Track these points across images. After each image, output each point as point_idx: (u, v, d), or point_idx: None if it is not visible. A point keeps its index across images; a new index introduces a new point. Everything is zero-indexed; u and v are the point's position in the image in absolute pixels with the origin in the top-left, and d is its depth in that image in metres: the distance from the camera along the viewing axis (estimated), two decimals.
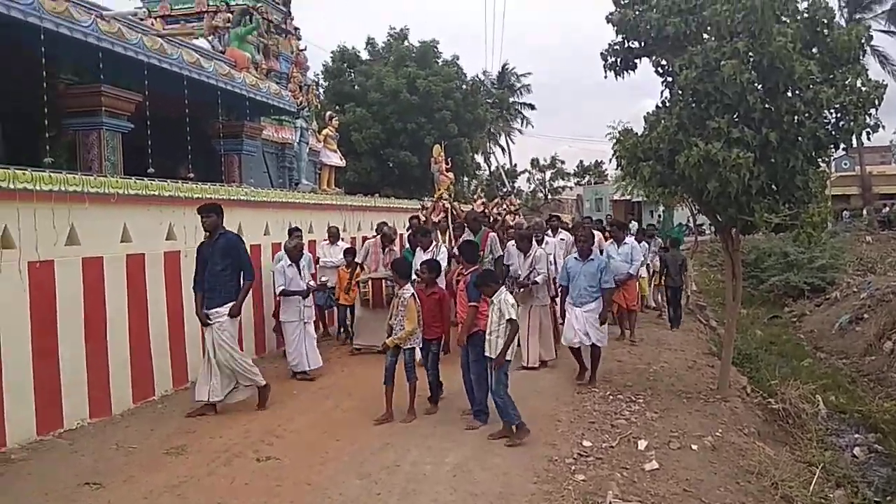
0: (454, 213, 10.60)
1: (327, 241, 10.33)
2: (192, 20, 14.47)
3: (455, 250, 7.94)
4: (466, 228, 9.51)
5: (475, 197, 16.01)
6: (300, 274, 7.99)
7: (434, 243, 9.12)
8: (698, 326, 12.34)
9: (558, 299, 8.38)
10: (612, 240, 10.32)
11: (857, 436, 8.49)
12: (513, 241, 8.93)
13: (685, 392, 7.35)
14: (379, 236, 9.62)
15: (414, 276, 6.98)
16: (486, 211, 12.90)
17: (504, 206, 13.98)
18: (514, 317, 5.65)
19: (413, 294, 6.30)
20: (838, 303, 15.63)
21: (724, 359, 7.65)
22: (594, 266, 7.44)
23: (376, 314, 8.83)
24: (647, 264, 12.10)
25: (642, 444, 5.64)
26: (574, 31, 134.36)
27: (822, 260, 18.10)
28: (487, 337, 5.76)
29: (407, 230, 11.03)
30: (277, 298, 8.27)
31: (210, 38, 13.15)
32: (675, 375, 8.14)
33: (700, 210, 8.38)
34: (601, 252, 10.61)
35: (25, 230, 5.70)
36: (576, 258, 7.61)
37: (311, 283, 8.42)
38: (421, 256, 8.67)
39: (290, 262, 7.96)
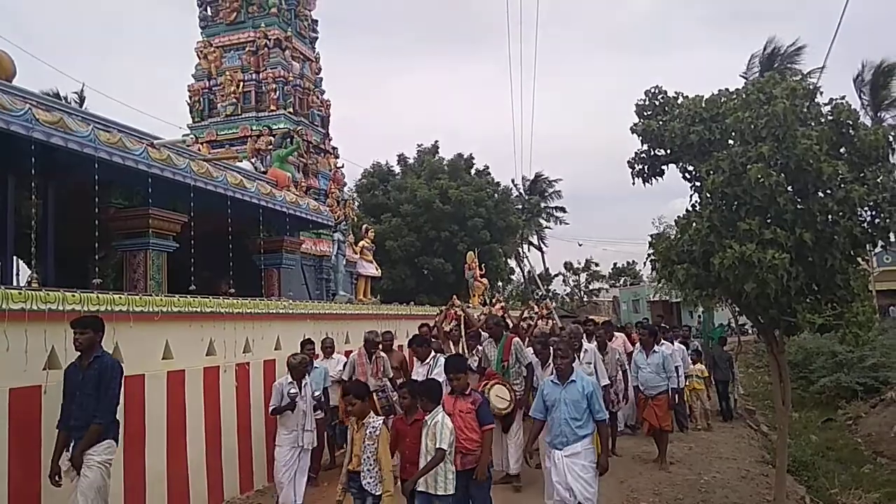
0: (468, 320, 9.72)
1: (321, 356, 9.10)
2: (235, 144, 15.29)
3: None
4: (482, 335, 8.60)
5: (493, 301, 15.14)
6: (301, 392, 7.15)
7: (432, 355, 8.13)
8: (749, 432, 11.82)
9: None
10: (640, 347, 9.13)
11: None
12: (531, 349, 8.31)
13: None
14: (362, 345, 8.69)
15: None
16: (506, 315, 12.11)
17: (535, 311, 13.37)
18: (445, 447, 4.88)
19: (384, 422, 5.16)
20: (895, 404, 14.88)
21: (779, 467, 7.27)
22: (577, 390, 5.46)
23: None
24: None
25: None
26: (606, 136, 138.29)
27: (872, 359, 17.37)
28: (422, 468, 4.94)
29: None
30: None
31: (253, 160, 13.85)
32: (728, 486, 7.75)
33: (741, 311, 8.19)
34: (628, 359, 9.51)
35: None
36: (553, 381, 5.68)
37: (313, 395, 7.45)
38: (418, 370, 7.93)
39: (290, 380, 7.19)
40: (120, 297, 6.46)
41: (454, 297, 10.57)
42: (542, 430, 5.72)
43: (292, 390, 7.08)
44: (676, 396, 9.74)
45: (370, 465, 4.93)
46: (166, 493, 6.75)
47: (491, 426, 5.38)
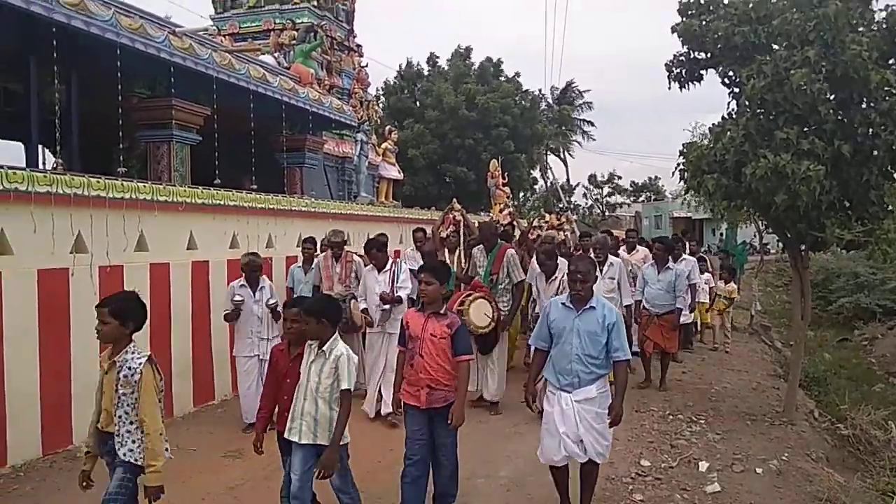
0: (467, 227, 8.54)
1: (299, 264, 7.89)
2: (259, 38, 14.92)
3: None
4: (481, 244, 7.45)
5: (502, 206, 13.29)
6: (254, 297, 6.31)
7: (391, 261, 6.84)
8: (763, 348, 11.91)
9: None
10: (651, 262, 8.23)
11: None
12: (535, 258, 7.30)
13: (749, 414, 7.09)
14: (329, 249, 7.41)
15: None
16: (515, 223, 11.16)
17: (545, 220, 12.59)
18: (350, 386, 3.73)
19: (150, 358, 3.35)
20: None
21: (791, 380, 7.34)
22: (595, 320, 4.19)
23: None
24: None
25: (703, 466, 5.45)
26: (633, 51, 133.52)
27: (894, 282, 17.28)
28: (301, 409, 3.75)
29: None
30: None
31: (276, 54, 13.53)
32: (738, 396, 7.87)
33: (767, 226, 8.03)
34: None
35: (98, 236, 5.93)
36: (564, 304, 4.32)
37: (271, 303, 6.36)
38: (377, 279, 6.64)
39: (242, 283, 6.39)
40: (144, 186, 6.49)
41: (454, 199, 9.51)
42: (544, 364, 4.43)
43: (237, 297, 6.25)
44: (691, 315, 9.46)
45: (128, 424, 3.28)
46: (192, 379, 7.00)
47: (469, 357, 4.27)
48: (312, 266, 7.55)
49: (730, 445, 6.01)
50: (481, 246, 7.34)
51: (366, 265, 7.05)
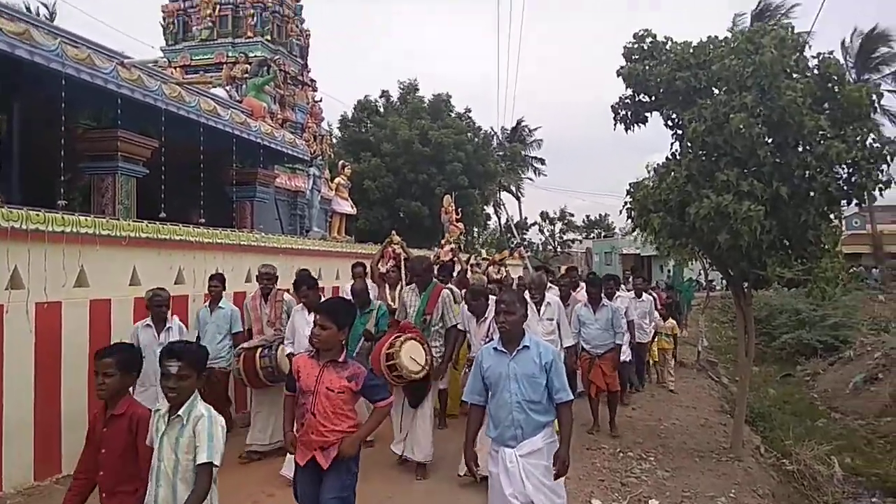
0: (408, 261, 7.83)
1: (206, 304, 7.05)
2: (211, 70, 14.83)
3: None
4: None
5: (443, 242, 12.59)
6: (158, 339, 5.79)
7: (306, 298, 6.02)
8: (710, 383, 12.12)
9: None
10: (585, 302, 7.80)
11: (874, 500, 8.23)
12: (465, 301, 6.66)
13: (697, 450, 7.17)
14: (258, 287, 6.91)
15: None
16: (455, 259, 10.76)
17: (483, 256, 12.23)
18: (217, 460, 2.90)
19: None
20: (852, 362, 15.37)
21: (737, 417, 7.47)
22: (531, 360, 3.74)
23: (267, 399, 6.36)
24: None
25: None
26: (583, 89, 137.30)
27: (834, 318, 17.90)
28: (154, 498, 2.91)
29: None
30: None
31: (228, 87, 13.46)
32: (686, 433, 7.96)
33: (712, 264, 8.23)
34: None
35: (35, 271, 5.71)
36: (496, 349, 3.85)
37: None
38: (307, 320, 5.69)
39: (148, 323, 5.93)
40: (86, 220, 6.30)
41: (394, 232, 9.04)
42: (483, 420, 3.94)
43: (142, 337, 5.78)
44: (629, 353, 9.08)
45: None
46: None
47: (388, 401, 3.74)
48: (220, 306, 6.93)
49: (679, 482, 6.06)
50: (413, 285, 6.51)
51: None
